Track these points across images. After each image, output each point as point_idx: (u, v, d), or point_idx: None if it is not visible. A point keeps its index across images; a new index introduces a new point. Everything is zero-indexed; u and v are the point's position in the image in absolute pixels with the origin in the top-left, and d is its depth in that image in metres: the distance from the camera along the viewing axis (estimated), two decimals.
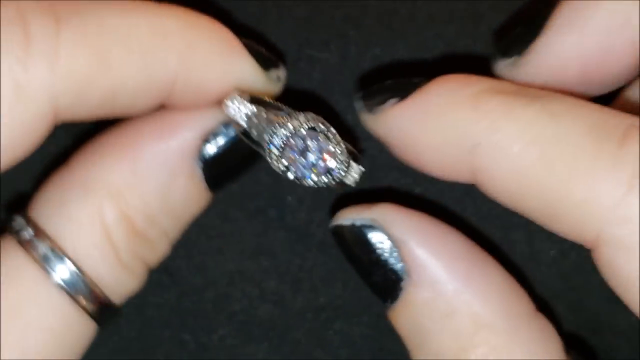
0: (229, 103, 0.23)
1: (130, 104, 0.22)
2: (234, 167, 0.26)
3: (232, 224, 0.30)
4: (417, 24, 0.30)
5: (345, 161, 0.23)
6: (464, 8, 0.30)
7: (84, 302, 0.23)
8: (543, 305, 0.30)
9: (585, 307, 0.30)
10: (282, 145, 0.23)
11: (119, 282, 0.24)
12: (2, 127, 0.20)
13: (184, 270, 0.30)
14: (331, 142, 0.23)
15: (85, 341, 0.24)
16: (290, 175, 0.23)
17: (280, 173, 0.23)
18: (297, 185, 0.30)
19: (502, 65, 0.25)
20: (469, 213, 0.30)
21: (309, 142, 0.23)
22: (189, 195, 0.24)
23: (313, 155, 0.23)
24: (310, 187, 0.24)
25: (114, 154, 0.23)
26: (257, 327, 0.30)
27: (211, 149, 0.24)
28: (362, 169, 0.24)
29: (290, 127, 0.23)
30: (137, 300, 0.30)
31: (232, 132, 0.24)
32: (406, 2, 0.30)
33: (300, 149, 0.23)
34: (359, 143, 0.28)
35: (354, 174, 0.24)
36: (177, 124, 0.24)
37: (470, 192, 0.30)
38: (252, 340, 0.30)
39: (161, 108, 0.24)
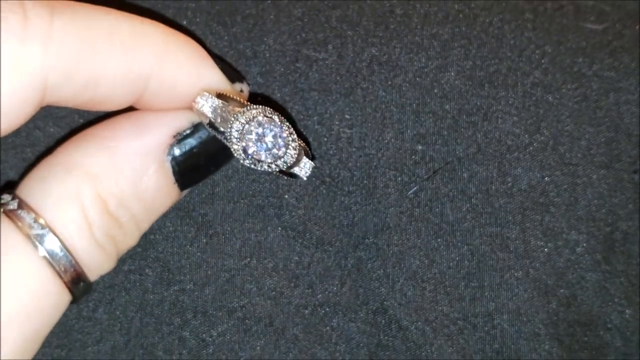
0: (198, 99, 0.26)
1: (110, 93, 0.25)
2: (201, 166, 0.27)
3: (231, 222, 0.30)
4: (413, 25, 0.30)
5: (296, 149, 0.26)
6: (458, 9, 0.30)
7: (62, 272, 0.24)
8: (537, 301, 0.30)
9: (579, 303, 0.30)
10: (241, 130, 0.25)
11: (92, 257, 0.25)
12: (2, 90, 0.23)
13: (183, 267, 0.30)
14: (284, 132, 0.25)
15: (58, 312, 0.25)
16: (247, 161, 0.25)
17: (239, 157, 0.25)
18: (294, 185, 0.30)
19: None
20: (464, 210, 0.30)
21: (265, 130, 0.25)
22: (158, 186, 0.26)
23: (268, 141, 0.25)
24: (275, 174, 0.26)
25: (94, 144, 0.26)
26: (256, 324, 0.30)
27: (180, 146, 0.26)
28: (313, 164, 0.27)
29: (249, 115, 0.25)
30: (138, 297, 0.30)
31: (202, 135, 0.27)
32: (402, 2, 0.30)
33: (258, 134, 0.25)
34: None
35: (306, 167, 0.27)
36: (152, 121, 0.26)
37: (465, 190, 0.30)
38: (251, 336, 0.30)
39: (136, 110, 0.27)
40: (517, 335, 0.30)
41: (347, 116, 0.30)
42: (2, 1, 0.23)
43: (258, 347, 0.30)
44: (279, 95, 0.30)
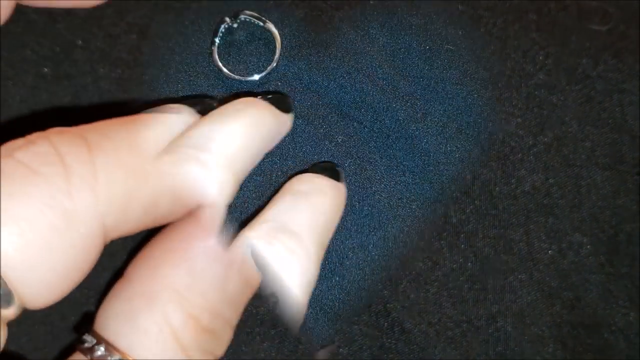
0: None
1: (172, 207, 0.23)
2: None
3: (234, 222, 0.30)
4: (417, 25, 0.30)
5: None
6: (462, 10, 0.30)
7: None
8: (541, 304, 0.30)
9: (583, 305, 0.30)
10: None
11: None
12: (59, 253, 0.21)
13: None
14: None
15: None
16: None
17: None
18: None
19: None
20: (468, 212, 0.30)
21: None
22: (244, 281, 0.25)
23: None
24: None
25: (169, 260, 0.24)
26: (259, 326, 0.30)
27: None
28: None
29: None
30: None
31: None
32: (406, 3, 0.30)
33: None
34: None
35: None
36: (220, 218, 0.24)
37: (469, 192, 0.30)
38: (254, 339, 0.30)
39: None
40: (521, 338, 0.30)
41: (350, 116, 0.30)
42: (30, 150, 0.21)
43: (261, 350, 0.30)
44: None
